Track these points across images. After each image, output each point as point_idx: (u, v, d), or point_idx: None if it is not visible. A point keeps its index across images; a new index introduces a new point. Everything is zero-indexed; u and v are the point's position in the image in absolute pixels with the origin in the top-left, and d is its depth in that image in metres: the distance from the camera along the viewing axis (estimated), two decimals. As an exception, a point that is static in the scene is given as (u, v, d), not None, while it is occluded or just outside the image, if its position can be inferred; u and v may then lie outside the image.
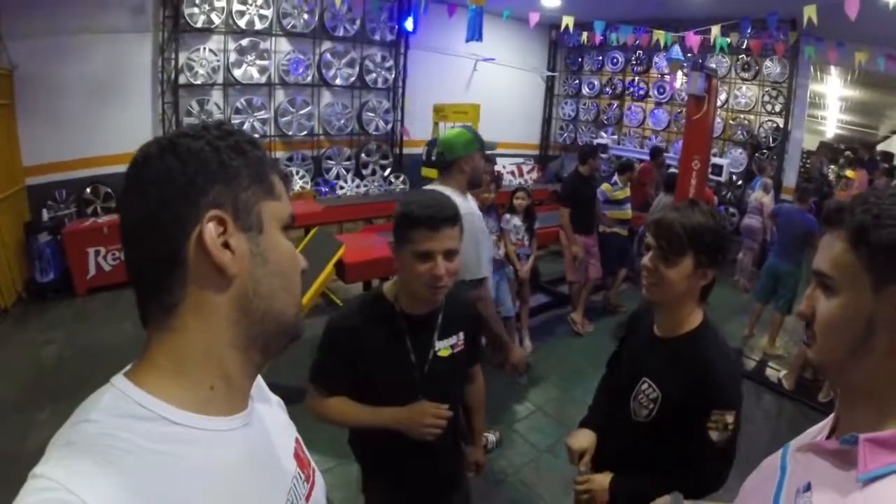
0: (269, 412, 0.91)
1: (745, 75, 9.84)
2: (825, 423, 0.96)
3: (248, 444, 0.77)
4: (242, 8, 8.07)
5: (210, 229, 0.69)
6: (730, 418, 1.54)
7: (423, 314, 1.80)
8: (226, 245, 0.70)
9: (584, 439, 1.88)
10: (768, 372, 5.21)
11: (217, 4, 7.84)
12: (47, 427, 0.64)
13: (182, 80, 7.79)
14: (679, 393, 1.60)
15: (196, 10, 7.68)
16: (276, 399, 0.99)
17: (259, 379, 0.92)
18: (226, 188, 0.71)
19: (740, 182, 9.81)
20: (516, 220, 5.18)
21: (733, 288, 7.59)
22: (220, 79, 8.14)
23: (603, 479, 1.75)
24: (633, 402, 1.72)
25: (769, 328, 5.69)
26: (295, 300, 0.81)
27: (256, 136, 6.56)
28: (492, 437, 4.08)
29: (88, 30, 6.97)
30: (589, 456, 1.86)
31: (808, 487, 0.83)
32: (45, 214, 6.87)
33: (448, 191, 2.57)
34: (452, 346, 1.86)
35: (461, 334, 1.89)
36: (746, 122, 9.91)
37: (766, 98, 9.69)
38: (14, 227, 6.29)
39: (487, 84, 11.13)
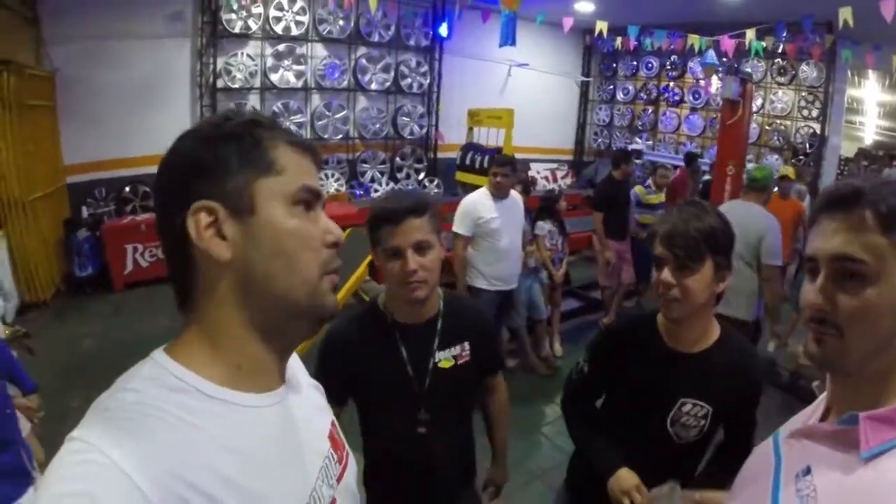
0: (305, 393, 0.93)
1: (781, 80, 9.71)
2: (813, 409, 0.95)
3: (279, 420, 0.79)
4: (279, 14, 8.23)
5: (195, 221, 0.71)
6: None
7: (418, 323, 1.69)
8: (219, 233, 0.72)
9: (632, 480, 1.61)
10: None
11: (254, 11, 8.01)
12: (81, 413, 0.67)
13: (220, 84, 7.98)
14: (731, 403, 1.63)
15: (234, 16, 7.86)
16: (313, 382, 1.02)
17: (298, 361, 0.96)
18: (212, 178, 0.73)
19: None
20: (549, 226, 5.14)
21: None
22: (257, 83, 8.31)
23: None
24: (672, 426, 1.62)
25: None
26: (302, 278, 0.76)
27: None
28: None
29: (128, 35, 7.19)
30: (641, 499, 1.59)
31: (807, 471, 0.82)
32: (85, 211, 7.08)
33: (758, 206, 3.87)
34: (455, 357, 1.72)
35: (466, 344, 1.75)
36: (783, 127, 9.75)
37: (803, 103, 9.55)
38: (55, 224, 6.48)
39: (522, 89, 11.14)
